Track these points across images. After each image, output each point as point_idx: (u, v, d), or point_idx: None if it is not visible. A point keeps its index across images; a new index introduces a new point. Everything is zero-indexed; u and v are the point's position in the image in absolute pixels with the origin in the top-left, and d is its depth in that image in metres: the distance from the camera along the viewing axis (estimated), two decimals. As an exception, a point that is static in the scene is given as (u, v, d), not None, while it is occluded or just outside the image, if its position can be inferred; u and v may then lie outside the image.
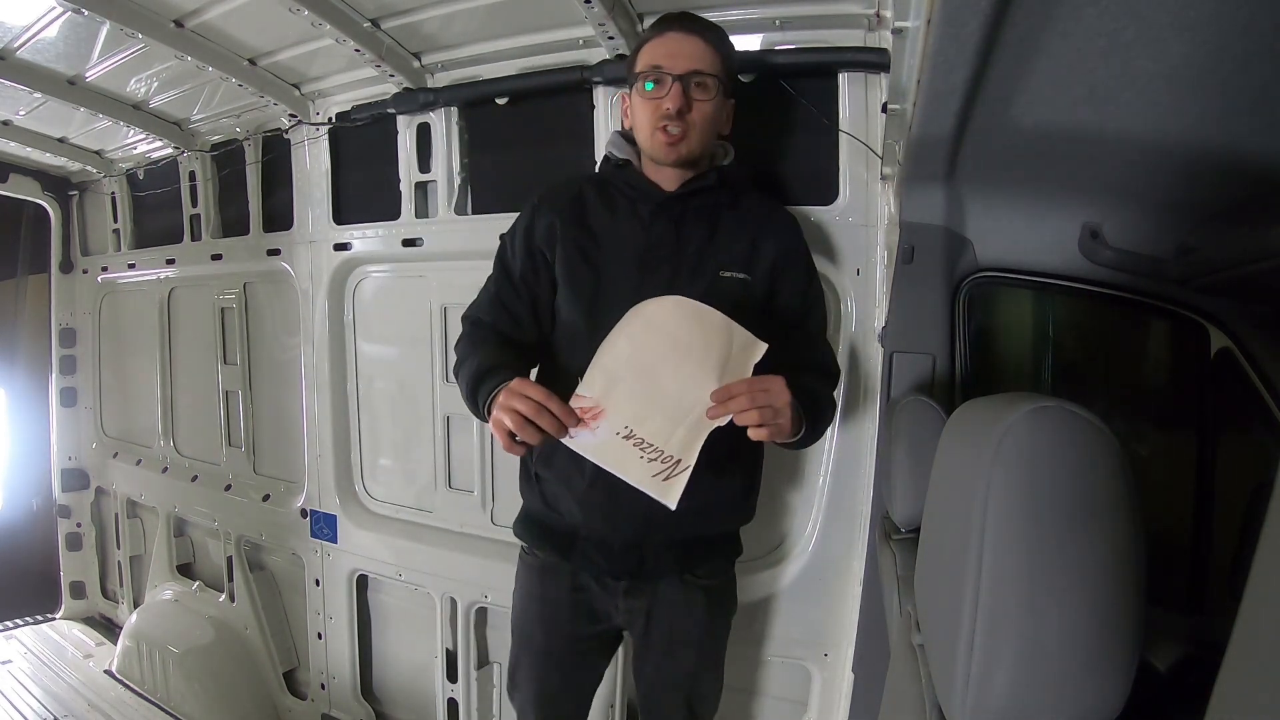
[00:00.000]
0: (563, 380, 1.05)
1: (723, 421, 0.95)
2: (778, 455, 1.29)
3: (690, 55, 1.11)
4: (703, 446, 0.96)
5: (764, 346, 0.98)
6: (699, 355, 0.97)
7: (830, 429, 1.50)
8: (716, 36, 1.16)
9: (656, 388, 0.96)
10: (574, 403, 0.97)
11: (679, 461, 0.94)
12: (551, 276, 1.19)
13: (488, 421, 1.03)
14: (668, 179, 1.17)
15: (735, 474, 1.19)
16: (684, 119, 1.10)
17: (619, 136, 1.24)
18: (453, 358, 1.91)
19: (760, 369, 0.98)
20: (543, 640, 1.26)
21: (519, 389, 0.97)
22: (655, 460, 0.95)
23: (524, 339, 1.20)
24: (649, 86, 1.12)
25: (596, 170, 1.29)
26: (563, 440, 0.97)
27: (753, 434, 0.95)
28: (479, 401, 1.05)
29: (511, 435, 0.96)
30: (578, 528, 1.19)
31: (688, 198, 1.16)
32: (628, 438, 0.95)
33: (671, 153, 1.12)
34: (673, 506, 0.94)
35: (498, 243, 1.73)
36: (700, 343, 0.97)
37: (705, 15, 1.41)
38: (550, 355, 1.21)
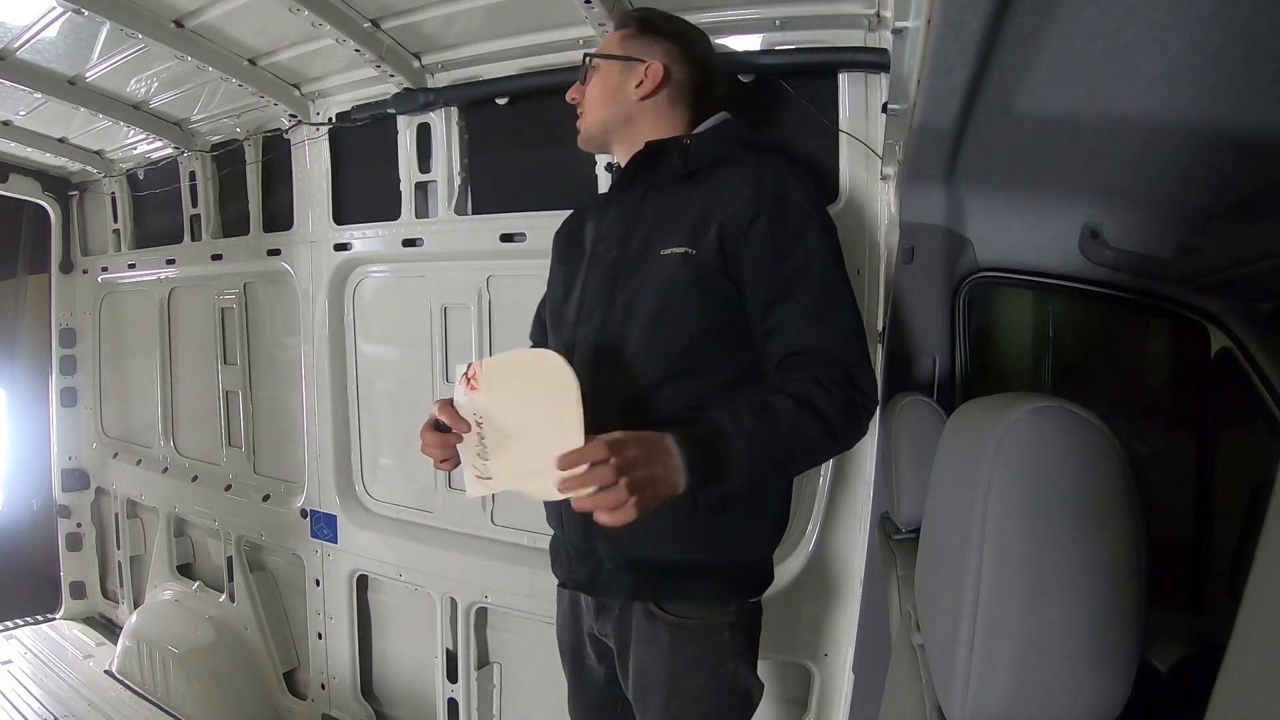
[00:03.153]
0: None
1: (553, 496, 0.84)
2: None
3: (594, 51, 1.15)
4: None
5: (573, 382, 0.84)
6: (551, 423, 0.86)
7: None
8: (623, 18, 1.17)
9: (521, 417, 0.91)
10: (473, 364, 0.96)
11: (491, 480, 0.94)
12: None
13: None
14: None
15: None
16: (582, 102, 1.14)
17: None
18: (453, 358, 1.93)
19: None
20: (565, 662, 1.22)
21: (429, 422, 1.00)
22: (481, 460, 0.94)
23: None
24: None
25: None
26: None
27: (599, 518, 0.79)
28: None
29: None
30: (559, 533, 1.14)
31: (630, 180, 1.10)
32: (477, 425, 0.94)
33: (580, 135, 1.15)
34: (467, 498, 0.99)
35: (498, 243, 1.76)
36: (553, 406, 0.87)
37: (705, 15, 1.42)
38: None
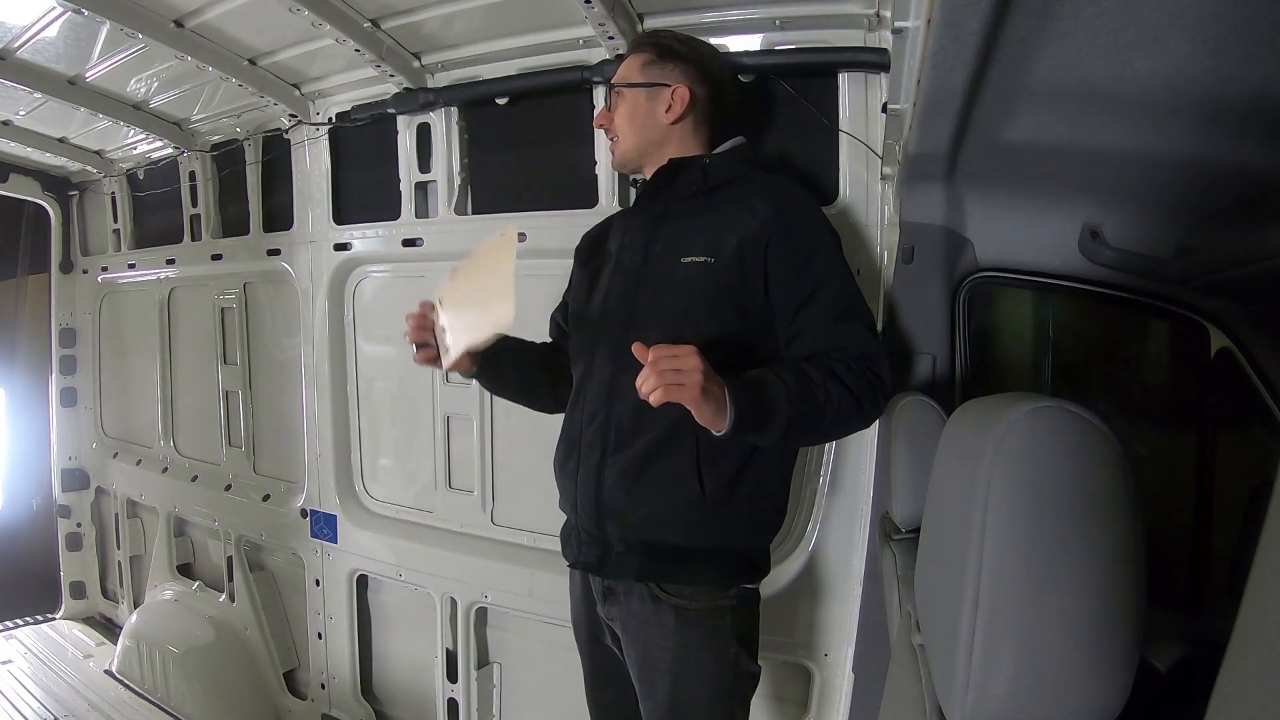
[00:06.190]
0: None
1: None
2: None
3: (617, 78, 1.22)
4: (648, 439, 1.07)
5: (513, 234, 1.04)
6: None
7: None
8: (638, 43, 1.23)
9: (463, 290, 1.13)
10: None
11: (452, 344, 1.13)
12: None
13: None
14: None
15: (690, 474, 1.05)
16: (611, 128, 1.21)
17: None
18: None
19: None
20: (581, 649, 1.26)
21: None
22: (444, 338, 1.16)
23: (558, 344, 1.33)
24: None
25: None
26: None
27: (652, 399, 0.88)
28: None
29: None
30: (571, 519, 1.20)
31: (653, 194, 1.19)
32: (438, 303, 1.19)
33: (615, 159, 1.24)
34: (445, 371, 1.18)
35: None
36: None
37: (705, 15, 1.42)
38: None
